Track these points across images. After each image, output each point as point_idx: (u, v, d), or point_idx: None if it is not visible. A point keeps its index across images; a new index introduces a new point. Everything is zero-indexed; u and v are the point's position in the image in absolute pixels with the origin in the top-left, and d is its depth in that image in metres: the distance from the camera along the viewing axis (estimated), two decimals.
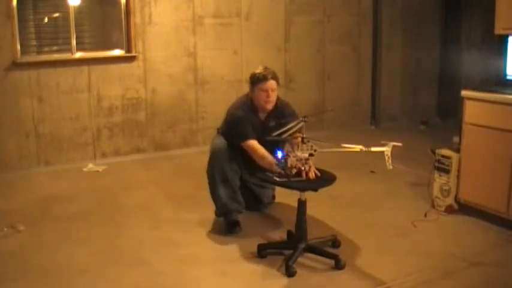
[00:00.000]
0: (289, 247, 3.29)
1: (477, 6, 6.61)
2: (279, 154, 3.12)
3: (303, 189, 3.19)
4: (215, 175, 3.69)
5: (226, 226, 3.75)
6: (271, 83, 3.64)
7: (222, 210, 3.76)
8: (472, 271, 3.14)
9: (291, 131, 3.17)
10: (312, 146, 3.07)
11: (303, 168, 3.10)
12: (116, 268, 3.23)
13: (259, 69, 3.69)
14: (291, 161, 3.07)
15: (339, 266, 3.14)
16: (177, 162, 5.63)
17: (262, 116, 3.75)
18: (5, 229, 3.77)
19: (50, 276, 3.12)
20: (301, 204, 3.24)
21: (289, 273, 3.07)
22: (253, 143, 3.56)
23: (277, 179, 3.16)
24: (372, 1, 6.85)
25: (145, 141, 5.83)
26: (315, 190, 3.15)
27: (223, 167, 3.66)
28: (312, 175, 3.18)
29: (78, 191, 4.67)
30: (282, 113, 3.74)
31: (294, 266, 3.10)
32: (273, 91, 3.65)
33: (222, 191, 3.69)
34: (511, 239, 3.54)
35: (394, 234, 3.67)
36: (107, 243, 3.60)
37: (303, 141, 3.08)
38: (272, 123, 3.70)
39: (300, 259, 3.20)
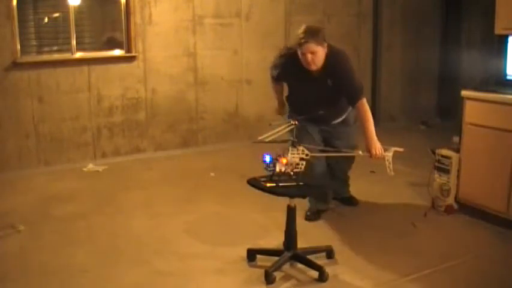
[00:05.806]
0: (277, 254, 3.16)
1: (477, 6, 6.61)
2: (267, 158, 2.95)
3: (291, 196, 3.04)
4: None
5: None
6: (308, 47, 3.37)
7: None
8: (472, 271, 3.14)
9: (281, 132, 3.02)
10: (303, 150, 2.93)
11: (291, 173, 2.96)
12: (116, 268, 3.23)
13: (300, 30, 3.44)
14: (279, 165, 2.92)
15: (322, 278, 3.01)
16: (177, 162, 5.63)
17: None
18: (5, 229, 3.77)
19: (50, 276, 3.12)
20: (290, 211, 3.09)
21: (268, 280, 2.98)
22: (273, 86, 3.92)
23: (266, 185, 2.99)
24: (372, 1, 6.85)
25: (145, 141, 5.83)
26: (304, 197, 3.00)
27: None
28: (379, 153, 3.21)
29: (78, 191, 4.67)
30: (335, 70, 3.50)
31: (275, 273, 3.00)
32: (312, 53, 3.38)
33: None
34: (511, 238, 3.55)
35: (394, 234, 3.67)
36: (107, 243, 3.60)
37: (293, 145, 2.93)
38: (329, 83, 3.51)
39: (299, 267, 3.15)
